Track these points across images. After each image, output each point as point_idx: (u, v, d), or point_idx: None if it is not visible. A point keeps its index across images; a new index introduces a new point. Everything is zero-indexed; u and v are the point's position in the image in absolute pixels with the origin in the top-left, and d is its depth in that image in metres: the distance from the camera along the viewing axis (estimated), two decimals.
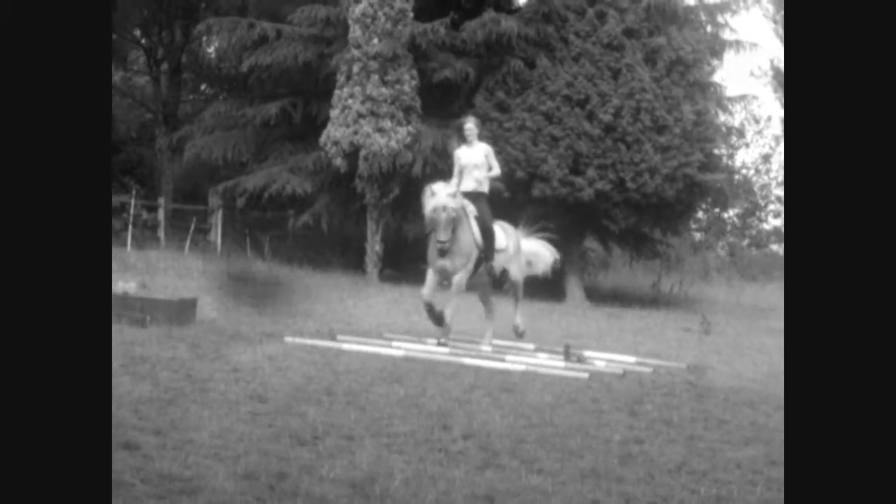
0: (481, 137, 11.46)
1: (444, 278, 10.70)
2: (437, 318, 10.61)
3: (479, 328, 11.44)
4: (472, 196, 10.80)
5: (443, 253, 10.32)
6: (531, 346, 11.20)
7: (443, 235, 10.27)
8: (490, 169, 11.01)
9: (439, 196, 10.24)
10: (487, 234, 10.74)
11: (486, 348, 10.75)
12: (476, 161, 10.90)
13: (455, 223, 10.36)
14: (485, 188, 10.97)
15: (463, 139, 11.20)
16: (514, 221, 11.77)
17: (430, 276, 10.69)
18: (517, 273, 11.37)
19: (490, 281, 11.10)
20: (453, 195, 10.32)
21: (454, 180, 10.93)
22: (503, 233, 11.15)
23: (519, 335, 11.39)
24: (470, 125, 11.12)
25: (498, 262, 10.95)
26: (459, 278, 10.57)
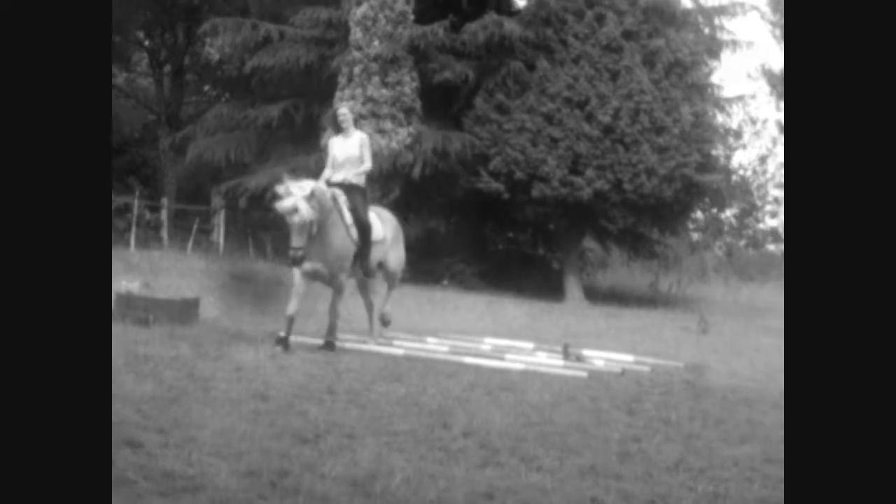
0: (358, 125, 10.40)
1: (314, 281, 9.70)
2: (329, 341, 9.67)
3: (479, 328, 11.46)
4: (346, 188, 9.74)
5: (296, 262, 9.17)
6: (530, 345, 11.24)
7: (296, 241, 9.03)
8: (363, 162, 9.92)
9: (292, 198, 9.01)
10: (363, 230, 9.74)
11: (373, 346, 10.09)
12: (351, 152, 9.86)
13: (322, 223, 9.21)
14: (360, 181, 9.91)
15: (337, 127, 10.07)
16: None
17: (298, 280, 9.51)
18: (396, 263, 10.56)
19: (362, 273, 10.07)
20: (308, 197, 9.03)
21: (326, 172, 9.90)
22: (379, 221, 10.18)
23: (385, 324, 10.58)
24: (344, 111, 10.05)
25: (375, 254, 10.06)
26: (339, 284, 9.70)
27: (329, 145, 10.14)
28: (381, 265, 10.29)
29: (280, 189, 9.10)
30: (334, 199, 9.52)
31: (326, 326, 9.81)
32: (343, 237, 9.54)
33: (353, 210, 9.66)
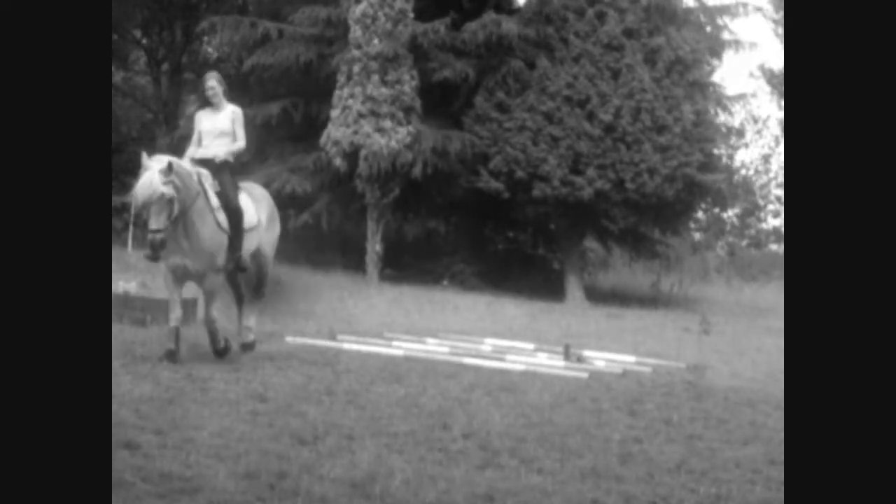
0: (230, 98, 9.23)
1: (185, 279, 8.50)
2: (219, 349, 8.68)
3: (479, 328, 11.42)
4: (213, 167, 8.63)
5: (155, 246, 7.84)
6: (531, 345, 11.20)
7: (154, 222, 7.81)
8: (235, 139, 8.89)
9: (148, 172, 7.86)
10: (234, 216, 8.54)
11: (248, 341, 9.03)
12: (221, 127, 8.84)
13: (182, 207, 8.02)
14: (229, 158, 8.84)
15: (206, 101, 9.06)
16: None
17: (169, 285, 8.49)
18: (270, 246, 9.32)
19: (234, 266, 8.75)
20: (165, 171, 7.84)
21: (189, 150, 8.86)
22: (252, 202, 8.97)
23: (246, 348, 9.00)
24: (212, 83, 8.90)
25: (249, 242, 8.83)
26: (210, 286, 8.54)
27: (196, 120, 9.05)
28: (255, 255, 9.02)
29: (143, 162, 7.97)
30: (200, 180, 8.36)
31: (208, 337, 8.72)
32: (212, 226, 8.32)
33: (222, 193, 8.51)
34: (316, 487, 4.89)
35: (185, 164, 8.40)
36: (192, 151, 8.81)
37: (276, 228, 9.49)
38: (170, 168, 7.88)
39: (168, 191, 7.82)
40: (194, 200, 8.17)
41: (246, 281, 9.22)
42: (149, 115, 31.29)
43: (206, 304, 8.66)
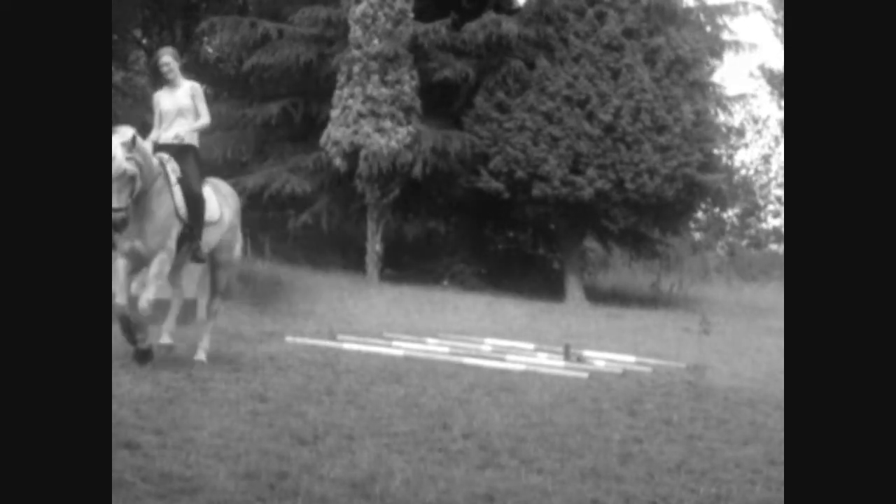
0: (189, 75, 8.80)
1: (139, 264, 7.94)
2: (132, 334, 7.86)
3: (479, 328, 11.40)
4: (175, 150, 8.26)
5: (117, 226, 7.37)
6: (531, 345, 11.20)
7: (116, 200, 7.30)
8: (198, 115, 8.44)
9: (113, 149, 7.30)
10: (195, 202, 8.09)
11: (200, 357, 8.50)
12: (181, 105, 8.40)
13: (143, 186, 7.62)
14: (193, 140, 8.47)
15: (161, 80, 8.64)
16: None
17: (120, 266, 7.83)
18: (231, 253, 8.88)
19: (192, 256, 8.36)
20: (128, 145, 7.40)
21: (153, 133, 8.47)
22: (216, 196, 8.57)
23: (194, 364, 8.34)
24: (166, 58, 8.45)
25: (210, 237, 8.38)
26: (157, 266, 7.86)
27: (154, 102, 8.64)
28: (213, 254, 8.56)
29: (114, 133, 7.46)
30: (161, 164, 8.00)
31: (121, 326, 7.88)
32: (168, 209, 7.90)
33: (184, 179, 8.10)
34: (316, 487, 4.89)
35: (146, 144, 7.98)
36: (155, 135, 8.43)
37: (238, 234, 9.03)
38: (133, 142, 7.47)
39: (131, 167, 7.41)
40: (155, 180, 7.82)
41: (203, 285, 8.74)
42: (149, 115, 31.28)
43: (146, 288, 7.83)
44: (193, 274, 9.49)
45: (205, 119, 8.50)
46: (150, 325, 8.09)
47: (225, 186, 8.98)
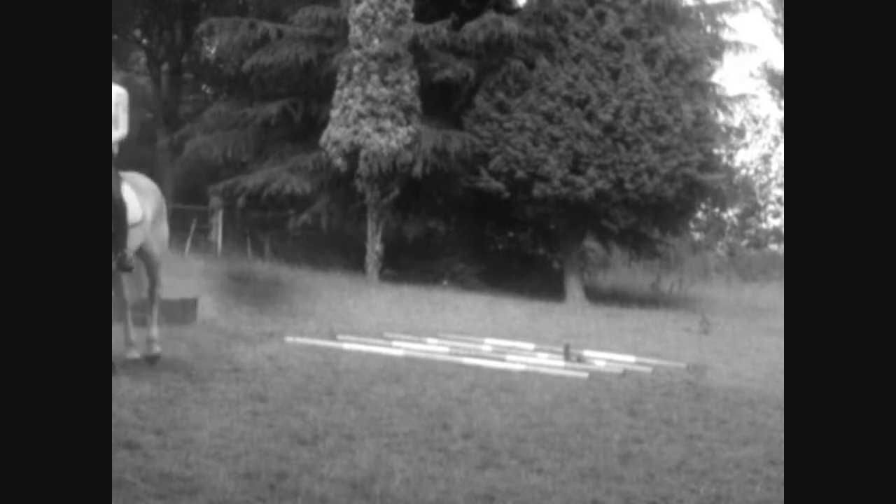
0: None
1: None
2: None
3: (479, 328, 11.37)
4: None
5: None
6: (531, 345, 11.20)
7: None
8: (116, 126, 7.81)
9: None
10: (115, 209, 7.49)
11: (153, 353, 8.15)
12: None
13: None
14: (113, 149, 7.89)
15: None
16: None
17: None
18: (159, 246, 8.35)
19: (116, 266, 7.68)
20: None
21: None
22: (136, 195, 7.95)
23: (151, 360, 8.10)
24: None
25: (134, 240, 7.85)
26: None
27: None
28: (140, 252, 8.10)
29: None
30: None
31: None
32: None
33: None
34: (316, 487, 4.89)
35: None
36: None
37: (164, 224, 8.49)
38: None
39: None
40: None
41: (137, 285, 8.45)
42: (149, 115, 31.27)
43: None
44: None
45: (121, 130, 7.85)
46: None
47: (143, 179, 8.33)
